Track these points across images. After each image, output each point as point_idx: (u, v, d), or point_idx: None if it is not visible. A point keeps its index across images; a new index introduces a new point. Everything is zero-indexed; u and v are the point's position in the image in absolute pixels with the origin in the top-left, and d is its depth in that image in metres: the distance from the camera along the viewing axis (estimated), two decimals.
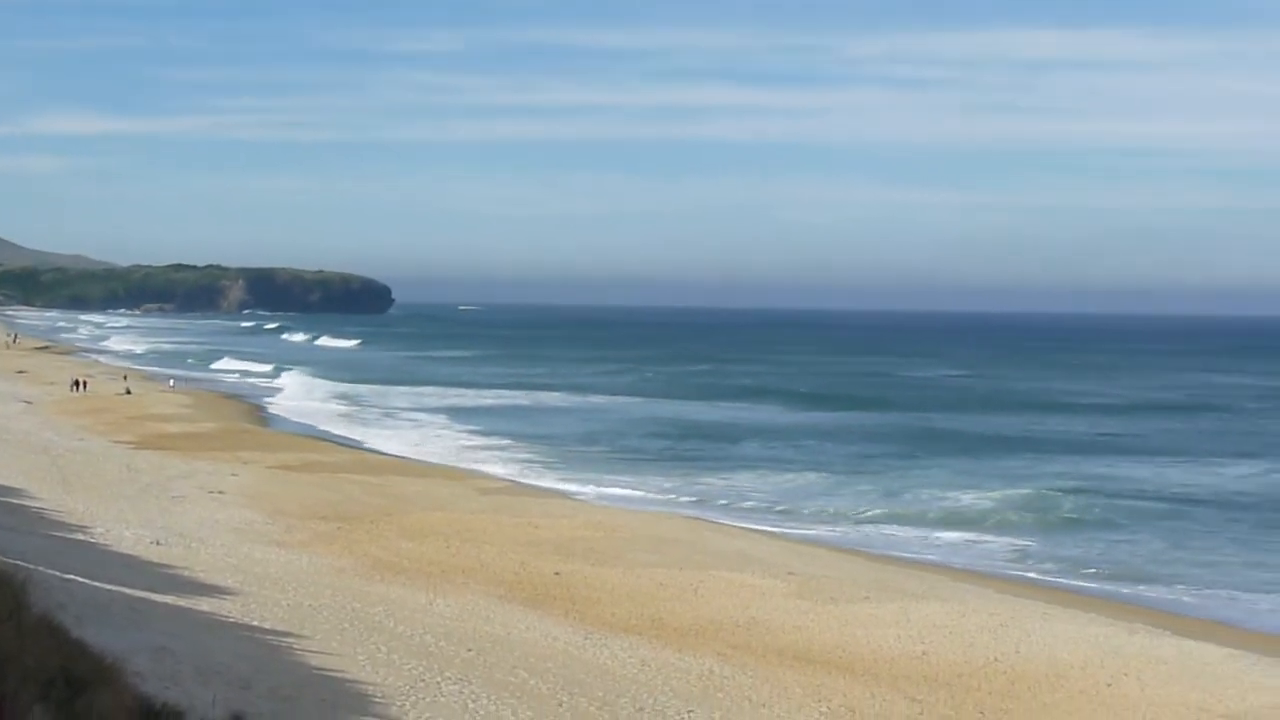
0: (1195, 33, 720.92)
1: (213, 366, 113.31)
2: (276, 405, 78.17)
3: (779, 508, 46.20)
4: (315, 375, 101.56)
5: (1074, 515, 45.07)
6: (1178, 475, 55.37)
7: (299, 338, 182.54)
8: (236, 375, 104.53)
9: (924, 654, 22.63)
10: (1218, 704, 20.02)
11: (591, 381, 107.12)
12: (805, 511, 45.55)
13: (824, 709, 18.93)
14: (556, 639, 22.38)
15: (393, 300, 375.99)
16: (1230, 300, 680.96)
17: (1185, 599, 34.18)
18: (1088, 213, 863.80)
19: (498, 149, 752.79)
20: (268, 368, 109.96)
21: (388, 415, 75.25)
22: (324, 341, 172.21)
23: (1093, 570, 36.97)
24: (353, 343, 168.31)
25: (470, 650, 20.42)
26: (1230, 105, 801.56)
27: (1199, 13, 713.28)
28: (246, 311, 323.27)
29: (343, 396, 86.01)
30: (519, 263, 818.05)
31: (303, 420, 69.41)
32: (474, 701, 17.39)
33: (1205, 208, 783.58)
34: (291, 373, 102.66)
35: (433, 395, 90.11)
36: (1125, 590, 34.85)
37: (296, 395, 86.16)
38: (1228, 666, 22.95)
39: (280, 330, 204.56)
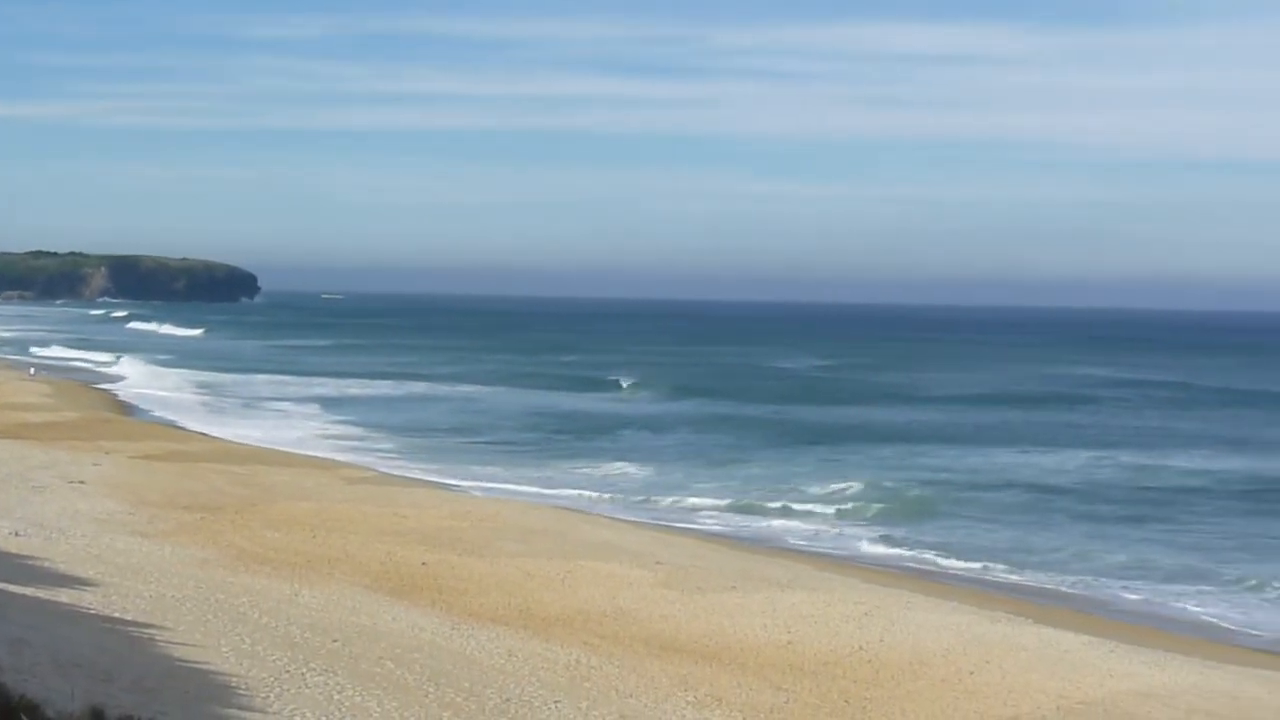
0: (1062, 29, 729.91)
1: (38, 354, 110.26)
2: (124, 393, 77.13)
3: (648, 497, 46.31)
4: (160, 364, 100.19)
5: (937, 504, 45.59)
6: (1037, 464, 56.13)
7: (144, 325, 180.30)
8: (75, 362, 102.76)
9: (790, 643, 22.79)
10: (1076, 690, 20.33)
11: (461, 370, 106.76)
12: (673, 501, 45.70)
13: (690, 698, 19.01)
14: (423, 629, 22.31)
15: (259, 289, 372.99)
16: (1101, 293, 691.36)
17: (1045, 586, 34.72)
18: (959, 205, 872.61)
19: (367, 138, 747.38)
20: (107, 356, 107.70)
21: (249, 405, 74.51)
22: (168, 330, 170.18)
23: (955, 559, 37.41)
24: (197, 331, 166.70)
25: (336, 641, 20.31)
26: (1097, 100, 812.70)
27: (1068, 9, 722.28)
28: (102, 300, 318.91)
29: (202, 385, 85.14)
30: (390, 251, 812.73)
31: (164, 410, 68.60)
32: (339, 693, 17.29)
33: (1075, 201, 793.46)
34: (131, 361, 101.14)
35: (295, 385, 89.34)
36: (987, 578, 35.34)
37: (142, 384, 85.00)
38: (1086, 653, 23.30)
39: (129, 318, 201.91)
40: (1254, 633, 30.42)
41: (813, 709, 18.87)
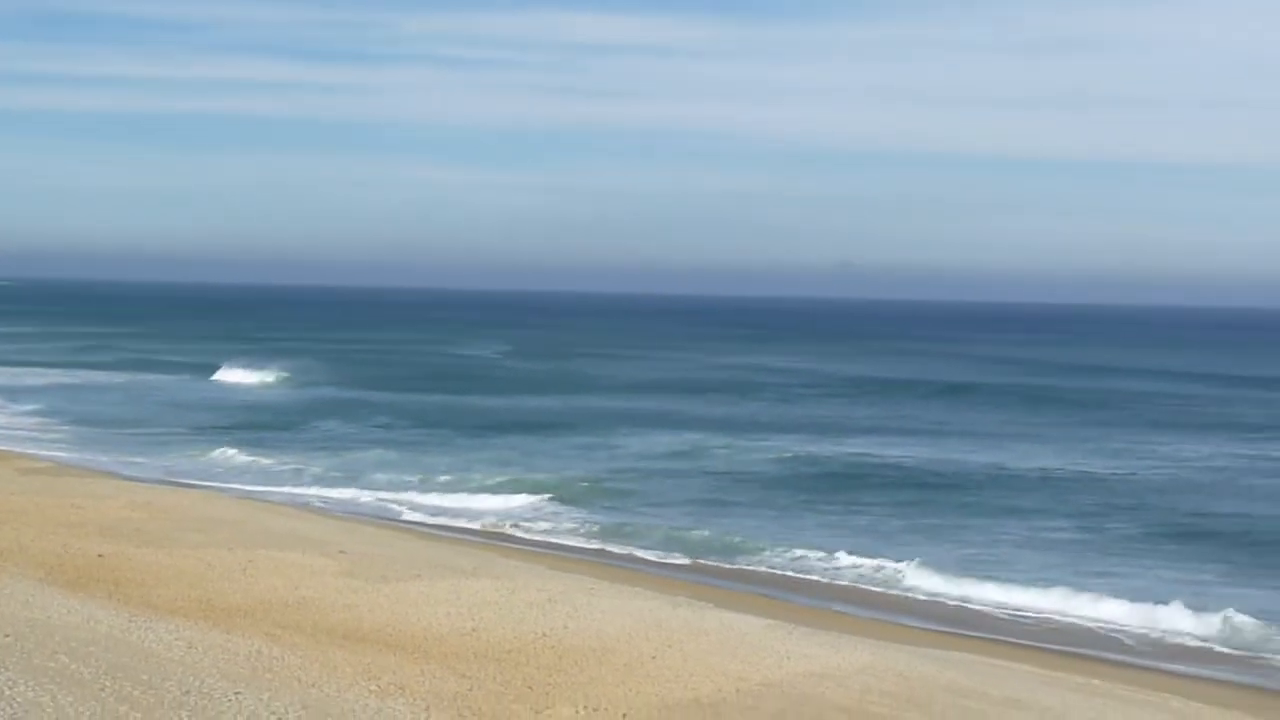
0: (735, 21, 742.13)
1: None
2: None
3: (332, 485, 46.00)
4: None
5: (621, 491, 46.13)
6: (722, 452, 57.08)
7: None
8: None
9: (474, 630, 22.85)
10: (755, 673, 20.78)
11: (142, 358, 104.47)
12: (359, 489, 45.46)
13: (374, 687, 18.95)
14: (100, 622, 21.81)
15: None
16: (788, 283, 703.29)
17: (728, 569, 35.46)
18: (643, 194, 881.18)
19: (37, 119, 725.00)
20: None
21: None
22: None
23: (639, 546, 37.94)
24: None
25: (7, 636, 19.74)
26: (772, 91, 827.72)
27: (738, 3, 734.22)
28: None
29: None
30: (69, 235, 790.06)
31: None
32: (11, 688, 16.83)
33: (753, 190, 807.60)
34: None
35: None
36: (670, 564, 35.92)
37: None
38: (766, 637, 23.82)
39: None
40: (925, 619, 31.46)
41: (496, 695, 18.96)
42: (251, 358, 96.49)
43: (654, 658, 21.46)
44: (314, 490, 45.18)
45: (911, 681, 21.05)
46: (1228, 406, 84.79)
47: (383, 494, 44.94)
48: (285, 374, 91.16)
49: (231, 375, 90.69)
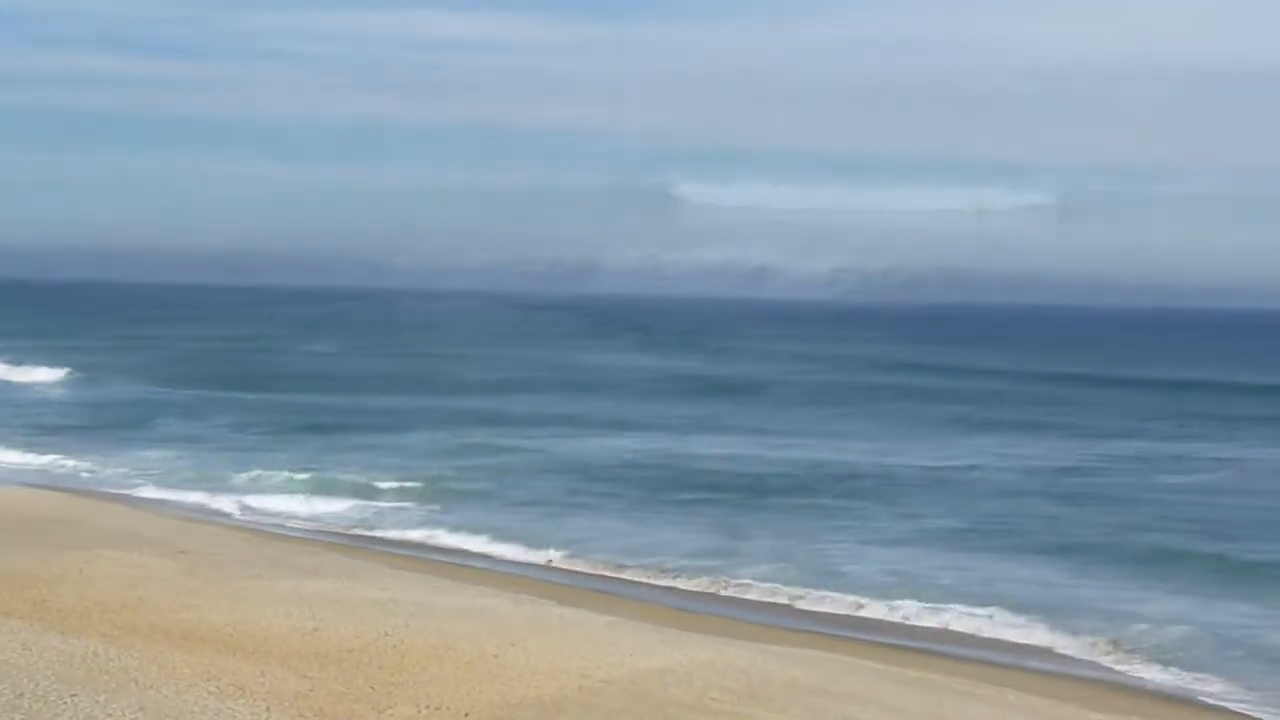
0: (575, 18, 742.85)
1: None
2: None
3: (177, 484, 45.47)
4: None
5: (460, 491, 45.97)
6: (567, 448, 57.14)
7: None
8: None
9: (315, 630, 22.69)
10: (598, 670, 20.84)
11: None
12: (201, 488, 44.98)
13: (213, 688, 18.75)
14: None
15: None
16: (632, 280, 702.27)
17: (568, 566, 35.54)
18: (496, 190, 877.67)
19: None
20: None
21: None
22: None
23: (482, 542, 37.89)
24: None
25: None
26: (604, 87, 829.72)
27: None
28: None
29: None
30: None
31: None
32: None
33: (599, 186, 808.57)
34: None
35: None
36: (511, 561, 35.96)
37: None
38: (609, 634, 23.90)
39: None
40: (767, 615, 31.73)
41: (338, 696, 18.84)
42: (51, 354, 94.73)
43: (496, 656, 21.46)
44: (150, 491, 44.59)
45: (753, 677, 21.23)
46: (1053, 405, 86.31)
47: (220, 494, 44.45)
48: (80, 373, 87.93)
49: (33, 374, 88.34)
